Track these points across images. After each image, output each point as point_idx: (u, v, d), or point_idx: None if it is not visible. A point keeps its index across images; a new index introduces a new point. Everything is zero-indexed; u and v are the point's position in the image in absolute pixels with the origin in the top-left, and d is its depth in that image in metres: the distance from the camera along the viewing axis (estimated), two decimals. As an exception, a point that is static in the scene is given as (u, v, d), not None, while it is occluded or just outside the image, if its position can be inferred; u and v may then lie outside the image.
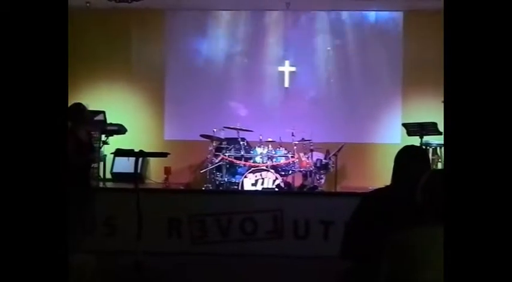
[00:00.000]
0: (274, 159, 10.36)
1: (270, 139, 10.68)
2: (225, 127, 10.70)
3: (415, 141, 10.18)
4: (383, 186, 3.77)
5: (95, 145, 9.91)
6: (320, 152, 10.70)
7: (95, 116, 10.45)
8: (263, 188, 9.79)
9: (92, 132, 7.78)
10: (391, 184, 3.68)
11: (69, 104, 6.71)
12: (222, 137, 10.73)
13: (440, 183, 2.64)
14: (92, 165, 8.27)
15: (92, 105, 11.07)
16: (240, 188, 9.86)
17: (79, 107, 6.73)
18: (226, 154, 10.37)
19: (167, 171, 11.00)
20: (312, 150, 10.45)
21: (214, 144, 10.72)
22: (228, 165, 10.38)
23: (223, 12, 12.37)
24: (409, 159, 3.64)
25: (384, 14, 12.22)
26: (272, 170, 9.99)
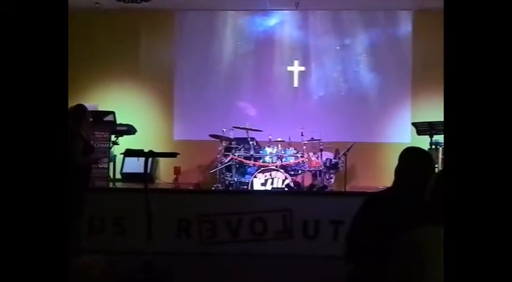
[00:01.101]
0: (283, 159, 10.35)
1: (279, 139, 10.68)
2: (234, 127, 10.70)
3: (425, 140, 10.14)
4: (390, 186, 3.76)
5: (105, 146, 9.99)
6: (329, 151, 10.68)
7: (104, 117, 10.49)
8: (272, 188, 9.79)
9: (90, 133, 7.83)
10: (392, 185, 3.66)
11: (75, 104, 6.80)
12: (232, 136, 10.73)
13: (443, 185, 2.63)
14: (95, 165, 8.31)
15: (101, 105, 11.20)
16: (249, 188, 9.86)
17: (81, 108, 6.78)
18: (236, 154, 10.37)
19: (177, 171, 11.03)
20: (321, 150, 10.43)
21: (223, 144, 10.73)
22: (237, 165, 10.38)
23: (233, 12, 12.39)
24: (410, 161, 3.61)
25: (393, 14, 12.19)
26: (282, 170, 9.99)
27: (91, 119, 7.62)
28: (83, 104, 7.10)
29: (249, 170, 10.48)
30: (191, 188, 10.74)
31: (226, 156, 10.54)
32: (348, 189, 10.57)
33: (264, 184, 9.86)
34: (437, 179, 2.80)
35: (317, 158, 10.40)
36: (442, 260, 2.45)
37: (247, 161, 10.39)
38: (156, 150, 7.78)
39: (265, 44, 12.32)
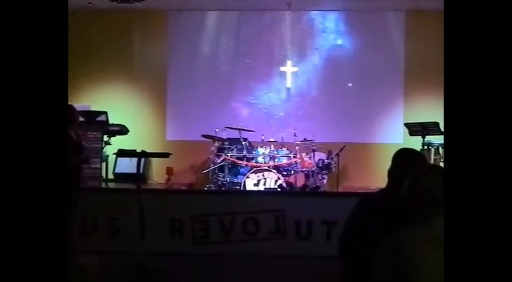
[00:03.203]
0: (276, 159, 10.37)
1: (272, 139, 10.70)
2: (227, 127, 10.71)
3: (417, 141, 10.18)
4: (383, 186, 3.77)
5: (97, 146, 9.97)
6: (322, 152, 10.70)
7: (97, 117, 10.48)
8: (265, 188, 9.80)
9: (81, 133, 7.81)
10: (386, 187, 3.68)
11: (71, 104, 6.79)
12: (224, 137, 10.74)
13: (428, 179, 2.64)
14: (86, 165, 8.29)
15: (94, 105, 11.17)
16: (242, 188, 9.86)
17: (70, 108, 6.76)
18: (229, 154, 10.38)
19: (169, 171, 11.01)
20: (314, 150, 10.44)
21: (216, 144, 10.74)
22: (230, 166, 10.39)
23: (225, 12, 12.38)
24: (403, 162, 3.62)
25: (386, 14, 12.20)
26: (274, 170, 10.00)
27: (82, 119, 7.59)
28: (76, 104, 7.11)
29: (241, 170, 10.49)
30: (184, 188, 10.73)
31: (218, 156, 10.55)
32: (340, 189, 10.59)
33: (256, 184, 9.86)
34: (416, 175, 2.81)
35: (310, 158, 10.42)
36: (433, 259, 2.46)
37: (240, 162, 10.40)
38: (148, 150, 7.79)
39: (258, 44, 12.32)
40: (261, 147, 10.53)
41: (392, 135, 11.84)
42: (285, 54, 12.28)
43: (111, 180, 11.09)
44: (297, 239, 8.09)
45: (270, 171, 9.97)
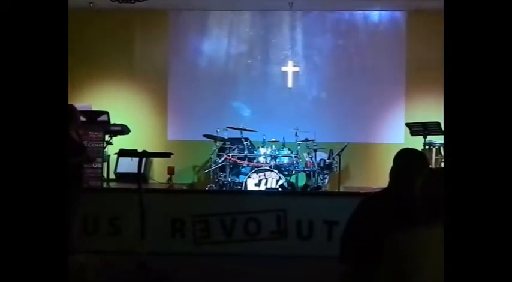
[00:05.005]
0: (277, 159, 10.36)
1: (273, 139, 10.69)
2: (228, 127, 10.70)
3: (419, 141, 10.17)
4: (384, 187, 3.76)
5: (99, 146, 9.98)
6: (323, 152, 10.70)
7: (98, 117, 10.48)
8: (266, 188, 9.79)
9: (82, 133, 7.81)
10: (388, 187, 3.67)
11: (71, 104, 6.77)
12: (226, 137, 10.74)
13: (437, 182, 2.64)
14: (88, 165, 8.29)
15: (95, 105, 11.17)
16: (243, 188, 9.86)
17: (71, 108, 6.74)
18: (230, 154, 10.38)
19: (170, 171, 11.02)
20: (315, 150, 10.44)
21: (217, 144, 10.74)
22: (231, 165, 10.38)
23: (227, 12, 12.38)
24: (404, 162, 3.62)
25: (387, 14, 12.21)
26: (275, 170, 10.00)
27: (84, 119, 7.56)
28: (77, 104, 7.10)
29: (243, 170, 10.49)
30: (185, 188, 10.73)
31: (220, 156, 10.55)
32: (341, 189, 10.59)
33: (257, 184, 9.86)
34: (425, 179, 2.80)
35: (311, 158, 10.42)
36: (434, 260, 2.46)
37: (241, 161, 10.40)
38: (150, 150, 7.80)
39: (259, 44, 12.32)
40: (263, 147, 10.53)
41: (394, 135, 11.83)
42: (286, 54, 12.28)
43: (112, 180, 11.09)
44: (298, 239, 8.09)
45: (271, 171, 9.97)
